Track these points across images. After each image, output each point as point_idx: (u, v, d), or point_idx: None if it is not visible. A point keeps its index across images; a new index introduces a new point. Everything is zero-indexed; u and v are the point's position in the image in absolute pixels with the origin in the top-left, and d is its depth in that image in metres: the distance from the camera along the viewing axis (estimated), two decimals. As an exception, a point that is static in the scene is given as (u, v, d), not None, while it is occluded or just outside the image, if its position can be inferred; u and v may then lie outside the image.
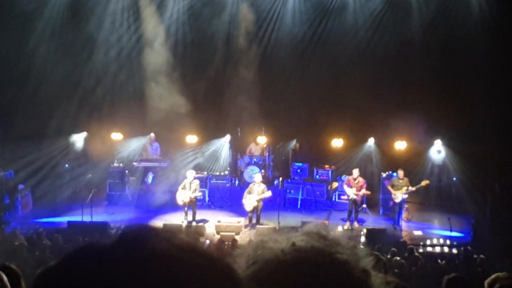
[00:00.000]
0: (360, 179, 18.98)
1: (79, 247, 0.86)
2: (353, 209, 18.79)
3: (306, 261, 1.14)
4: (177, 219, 18.68)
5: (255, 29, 23.58)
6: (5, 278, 4.29)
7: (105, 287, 0.77)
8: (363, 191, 18.88)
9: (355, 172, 19.08)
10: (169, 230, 0.89)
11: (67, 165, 22.46)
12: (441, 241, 17.74)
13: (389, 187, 19.14)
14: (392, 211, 19.40)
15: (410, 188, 18.73)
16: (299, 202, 21.11)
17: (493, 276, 5.62)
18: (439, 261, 14.42)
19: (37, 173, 21.01)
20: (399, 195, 18.74)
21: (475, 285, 5.43)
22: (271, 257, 1.16)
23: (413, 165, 21.29)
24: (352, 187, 18.80)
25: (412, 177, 19.49)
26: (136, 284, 0.77)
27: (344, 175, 20.52)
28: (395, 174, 19.75)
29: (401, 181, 18.89)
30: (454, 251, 16.52)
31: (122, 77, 23.13)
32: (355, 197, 18.72)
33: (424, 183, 18.87)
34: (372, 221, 19.76)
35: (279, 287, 0.94)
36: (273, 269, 1.12)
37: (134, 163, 22.23)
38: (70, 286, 0.78)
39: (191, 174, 18.69)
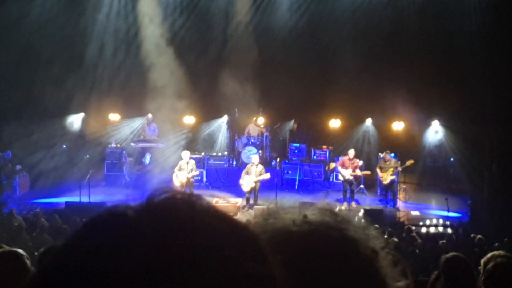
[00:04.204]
0: (356, 160, 19.02)
1: (99, 215, 0.85)
2: (348, 189, 18.85)
3: (316, 234, 1.14)
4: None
5: (252, 8, 23.49)
6: (24, 255, 4.28)
7: (130, 258, 0.75)
8: (358, 171, 18.91)
9: (351, 152, 19.10)
10: (191, 194, 0.88)
11: (64, 146, 22.46)
12: (439, 221, 17.81)
13: (377, 170, 19.20)
14: (385, 191, 19.47)
15: (399, 168, 18.80)
16: (296, 182, 21.13)
17: (489, 255, 5.65)
18: (437, 241, 14.47)
19: (35, 154, 20.97)
20: (386, 177, 18.80)
21: (472, 264, 5.45)
22: (282, 227, 1.16)
23: (411, 146, 21.31)
24: (348, 168, 18.83)
25: (410, 158, 19.44)
26: (164, 255, 0.76)
27: (341, 156, 20.52)
28: (392, 154, 19.78)
29: (387, 162, 18.91)
30: (452, 231, 16.57)
31: (120, 57, 23.06)
32: (351, 178, 18.77)
33: (409, 162, 18.93)
34: (370, 201, 19.83)
35: (287, 258, 0.93)
36: (283, 239, 1.12)
37: (132, 144, 22.22)
38: (90, 260, 0.76)
39: (186, 154, 18.65)
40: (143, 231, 0.78)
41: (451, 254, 5.53)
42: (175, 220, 0.80)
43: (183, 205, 0.84)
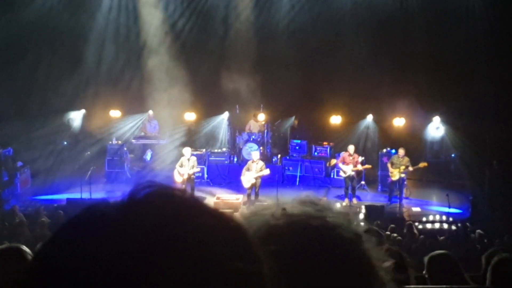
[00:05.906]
0: (356, 155, 19.03)
1: (78, 216, 0.79)
2: (349, 185, 18.84)
3: (297, 224, 1.16)
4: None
5: (252, 2, 23.47)
6: (28, 252, 4.28)
7: (111, 258, 0.72)
8: (359, 166, 18.92)
9: (351, 148, 19.10)
10: (178, 189, 0.84)
11: (65, 143, 22.45)
12: (440, 217, 17.79)
13: (389, 165, 19.16)
14: (389, 188, 19.43)
15: (409, 168, 18.73)
16: (297, 179, 21.12)
17: (490, 251, 5.66)
18: (438, 237, 14.47)
19: (36, 151, 20.96)
20: (396, 174, 18.74)
21: (472, 260, 5.46)
22: (263, 221, 1.18)
23: (412, 142, 21.27)
24: (348, 164, 18.82)
25: (411, 154, 19.42)
26: (147, 253, 0.73)
27: (342, 152, 20.50)
28: (393, 150, 19.76)
29: (400, 159, 18.86)
30: (453, 227, 16.54)
31: (121, 54, 23.06)
32: (352, 173, 18.76)
33: (421, 165, 18.89)
34: (371, 197, 19.81)
35: (271, 251, 0.93)
36: (265, 233, 1.14)
37: (133, 141, 22.20)
38: (72, 261, 0.73)
39: (187, 151, 18.66)
40: (125, 233, 0.75)
41: (436, 252, 5.50)
42: (159, 219, 0.77)
43: (167, 202, 0.80)
